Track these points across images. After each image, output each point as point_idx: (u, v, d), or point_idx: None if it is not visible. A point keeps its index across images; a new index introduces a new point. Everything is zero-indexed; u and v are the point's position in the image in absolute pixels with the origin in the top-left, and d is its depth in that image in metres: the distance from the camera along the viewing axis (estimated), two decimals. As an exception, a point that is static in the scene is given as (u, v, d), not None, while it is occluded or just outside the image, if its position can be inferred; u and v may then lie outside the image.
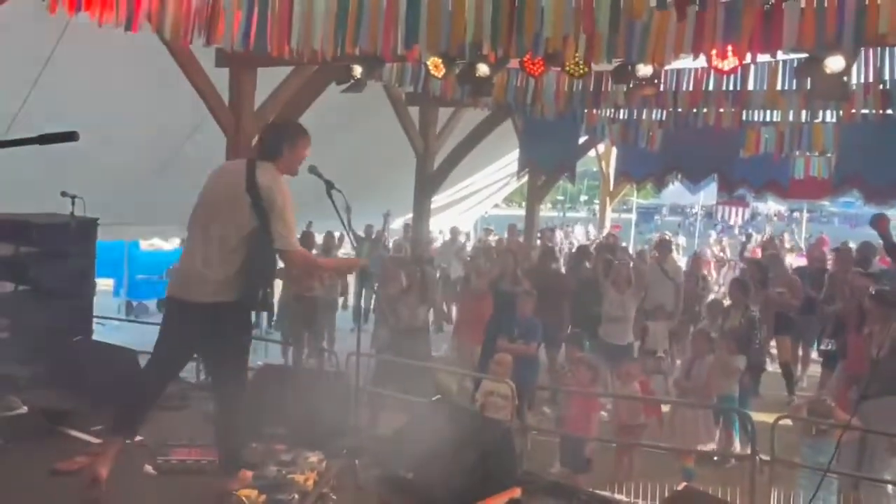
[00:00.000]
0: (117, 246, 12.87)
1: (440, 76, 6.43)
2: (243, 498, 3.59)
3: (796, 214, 42.79)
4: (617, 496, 5.45)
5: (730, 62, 5.01)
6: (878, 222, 2.58)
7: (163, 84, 7.49)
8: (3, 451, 4.24)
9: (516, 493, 4.03)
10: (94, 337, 6.67)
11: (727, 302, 8.27)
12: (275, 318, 10.82)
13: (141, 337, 7.47)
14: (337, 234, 11.61)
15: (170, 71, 6.96)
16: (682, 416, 6.37)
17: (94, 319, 6.88)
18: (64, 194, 5.99)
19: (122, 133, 8.07)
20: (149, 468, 4.16)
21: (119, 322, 10.24)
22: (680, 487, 3.82)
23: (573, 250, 14.42)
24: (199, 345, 4.06)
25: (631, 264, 9.18)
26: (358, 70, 6.53)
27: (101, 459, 3.68)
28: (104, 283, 12.28)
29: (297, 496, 3.65)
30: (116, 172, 8.67)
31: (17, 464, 4.12)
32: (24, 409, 4.75)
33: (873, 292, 6.04)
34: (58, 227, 6.03)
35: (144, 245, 15.11)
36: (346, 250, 12.57)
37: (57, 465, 4.10)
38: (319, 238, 11.33)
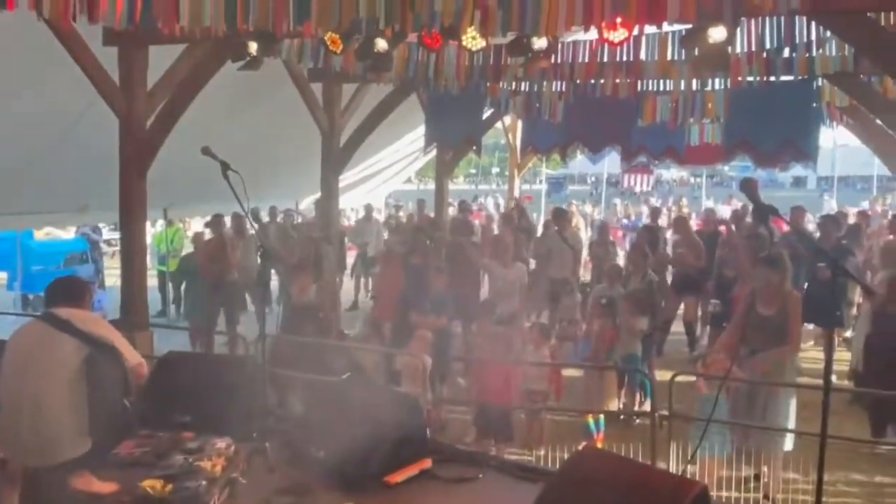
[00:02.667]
0: (9, 237, 12.25)
1: (339, 52, 6.36)
2: (149, 489, 3.52)
3: (697, 180, 44.59)
4: (527, 459, 5.61)
5: (620, 34, 5.14)
6: (748, 186, 2.72)
7: (48, 64, 7.12)
8: None
9: (427, 463, 4.10)
10: (-13, 333, 6.35)
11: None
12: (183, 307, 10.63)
13: (37, 331, 7.15)
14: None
15: (55, 50, 6.62)
16: (585, 378, 6.61)
17: (-14, 315, 6.57)
18: (-58, 186, 5.65)
19: (3, 118, 7.64)
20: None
21: (16, 316, 9.77)
22: (581, 447, 3.96)
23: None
24: None
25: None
26: (253, 47, 6.35)
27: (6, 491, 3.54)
28: (-3, 278, 11.71)
29: (204, 483, 3.60)
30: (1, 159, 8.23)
31: None
32: None
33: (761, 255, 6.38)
34: (-63, 220, 5.69)
35: (39, 235, 14.42)
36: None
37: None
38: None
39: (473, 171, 53.17)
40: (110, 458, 3.98)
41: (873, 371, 6.39)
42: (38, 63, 7.22)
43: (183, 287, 10.00)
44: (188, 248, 12.02)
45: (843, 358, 9.34)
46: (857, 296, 9.31)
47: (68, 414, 3.61)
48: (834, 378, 8.81)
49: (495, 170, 53.21)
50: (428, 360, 5.87)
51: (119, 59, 7.03)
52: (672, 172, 48.24)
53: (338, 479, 3.87)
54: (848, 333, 9.79)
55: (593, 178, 51.44)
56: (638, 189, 34.32)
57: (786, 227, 9.04)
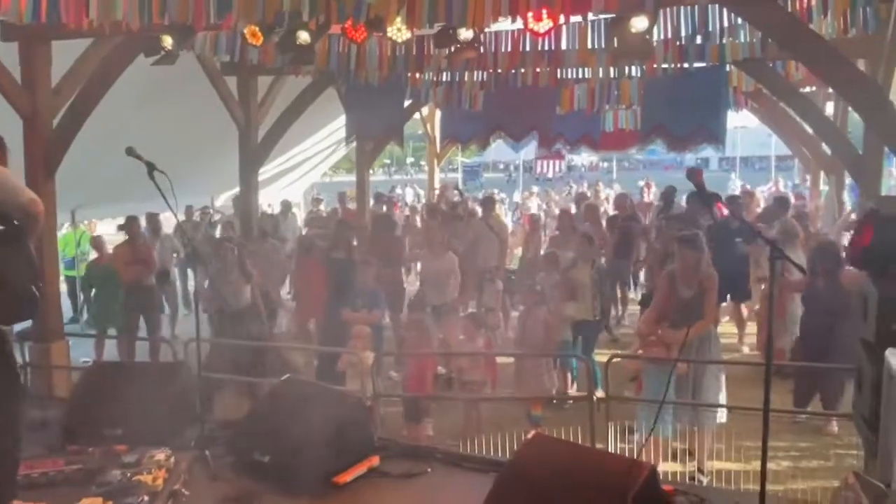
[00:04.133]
0: None
1: (258, 45, 6.19)
2: (87, 508, 3.37)
3: (606, 164, 45.83)
4: (470, 452, 5.63)
5: (544, 24, 5.20)
6: (695, 175, 2.81)
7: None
8: None
9: (375, 461, 4.07)
10: None
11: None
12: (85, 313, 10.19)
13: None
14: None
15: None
16: (523, 365, 6.68)
17: None
18: None
19: None
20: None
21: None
22: (530, 435, 4.00)
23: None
24: None
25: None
26: (168, 41, 6.11)
27: None
28: None
29: (146, 498, 3.46)
30: None
31: None
32: None
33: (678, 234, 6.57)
34: None
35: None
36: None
37: None
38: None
39: (388, 161, 53.01)
40: (40, 479, 3.79)
41: (808, 346, 6.69)
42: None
43: (92, 293, 9.54)
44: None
45: (753, 331, 9.83)
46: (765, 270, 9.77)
47: None
48: (746, 349, 9.38)
49: (410, 160, 53.16)
50: (370, 357, 5.83)
51: (20, 55, 6.65)
52: (583, 157, 49.34)
53: (285, 483, 3.79)
54: (758, 307, 10.29)
55: (502, 166, 52.22)
56: (550, 174, 35.00)
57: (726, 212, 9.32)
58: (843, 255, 6.94)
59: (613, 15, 5.09)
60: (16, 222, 3.36)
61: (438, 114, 12.95)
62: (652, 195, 20.86)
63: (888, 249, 3.02)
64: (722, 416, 5.59)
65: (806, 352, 6.70)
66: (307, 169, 16.49)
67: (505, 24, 6.94)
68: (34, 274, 3.43)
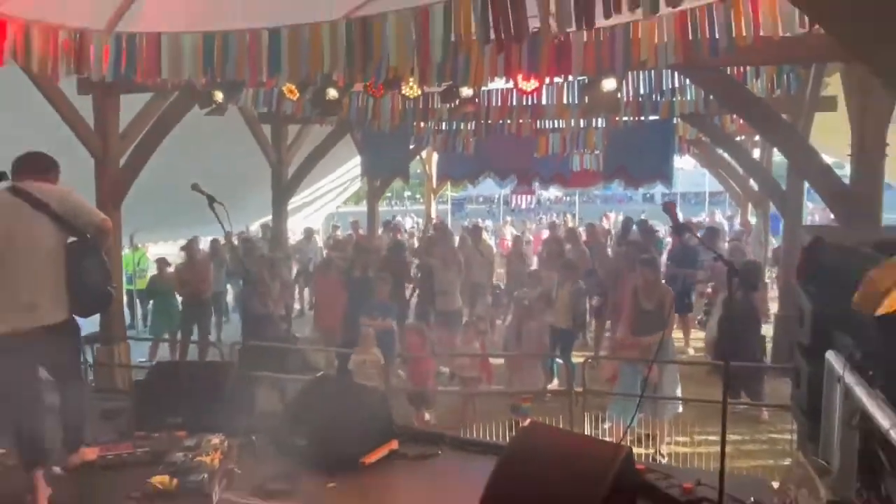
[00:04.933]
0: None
1: (294, 99, 6.24)
2: (158, 484, 3.33)
3: (569, 198, 45.94)
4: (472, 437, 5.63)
5: (532, 84, 5.28)
6: (669, 208, 2.86)
7: (19, 109, 6.66)
8: None
9: (394, 444, 4.06)
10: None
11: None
12: (149, 321, 10.14)
13: None
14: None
15: (24, 97, 6.16)
16: (519, 366, 6.69)
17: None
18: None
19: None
20: (57, 469, 3.73)
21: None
22: (527, 423, 4.00)
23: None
24: (39, 364, 3.51)
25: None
26: (219, 95, 6.15)
27: (36, 498, 3.24)
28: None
29: (206, 475, 3.43)
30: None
31: None
32: None
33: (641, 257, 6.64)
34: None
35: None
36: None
37: None
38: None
39: (389, 194, 53.06)
40: (114, 460, 3.76)
41: (723, 345, 6.70)
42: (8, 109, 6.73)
43: (151, 305, 9.55)
44: (152, 270, 11.47)
45: (698, 336, 9.88)
46: (707, 287, 9.85)
47: (46, 285, 3.33)
48: (692, 351, 9.43)
49: (407, 193, 53.22)
50: (380, 355, 5.82)
51: (94, 106, 6.67)
52: (550, 192, 49.53)
53: (320, 463, 3.77)
54: (700, 317, 10.35)
55: (481, 199, 52.46)
56: (524, 206, 35.15)
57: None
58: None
59: (587, 77, 5.17)
60: (88, 236, 3.50)
61: (435, 156, 13.04)
62: (611, 224, 20.92)
63: (827, 271, 3.07)
64: (678, 407, 5.62)
65: (722, 350, 6.70)
66: (326, 201, 16.53)
67: (497, 84, 7.04)
68: (108, 277, 3.63)
